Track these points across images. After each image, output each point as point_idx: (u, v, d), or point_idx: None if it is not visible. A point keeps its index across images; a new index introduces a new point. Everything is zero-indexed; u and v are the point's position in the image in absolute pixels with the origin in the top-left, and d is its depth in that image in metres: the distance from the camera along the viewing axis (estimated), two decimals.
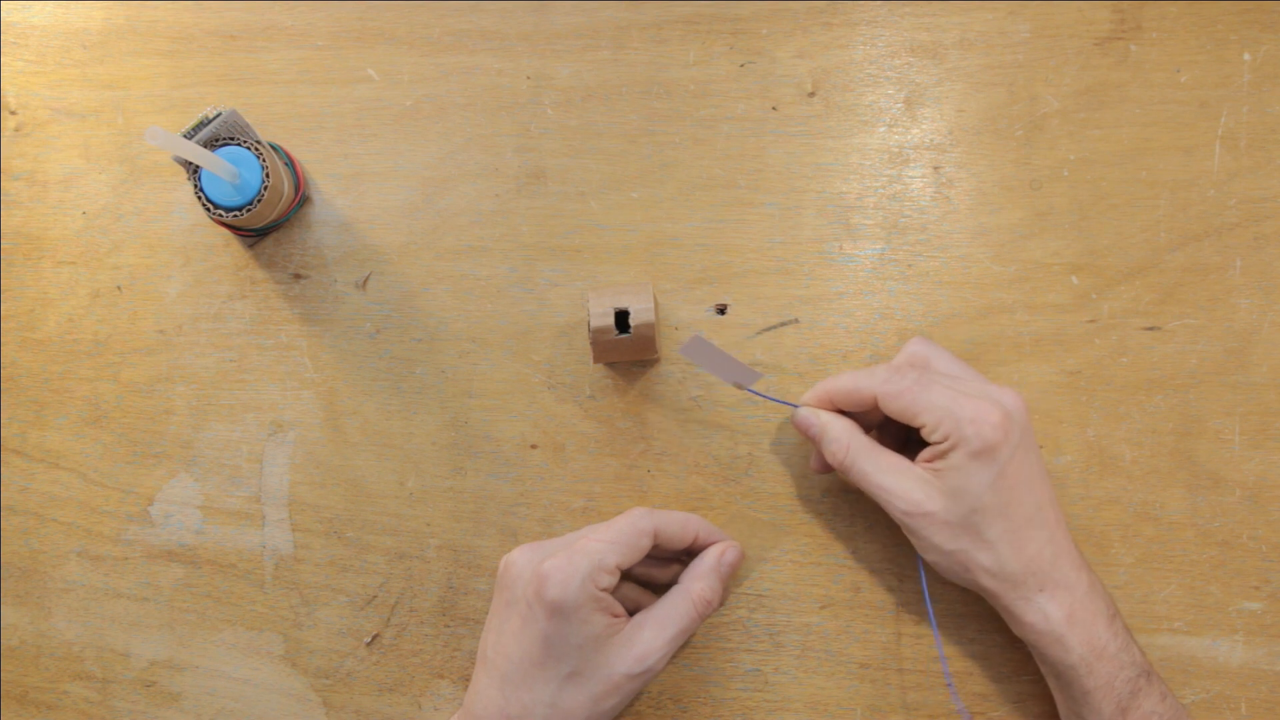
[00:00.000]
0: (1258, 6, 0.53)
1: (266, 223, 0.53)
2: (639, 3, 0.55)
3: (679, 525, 0.48)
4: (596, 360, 0.49)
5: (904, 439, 0.49)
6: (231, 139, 0.50)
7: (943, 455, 0.44)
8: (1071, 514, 0.51)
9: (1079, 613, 0.44)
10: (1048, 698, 0.50)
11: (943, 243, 0.53)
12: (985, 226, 0.53)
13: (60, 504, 0.55)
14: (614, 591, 0.46)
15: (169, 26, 0.57)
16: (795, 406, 0.49)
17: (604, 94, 0.55)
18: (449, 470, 0.54)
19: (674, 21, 0.55)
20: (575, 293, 0.54)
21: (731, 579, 0.51)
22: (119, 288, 0.56)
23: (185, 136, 0.48)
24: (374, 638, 0.53)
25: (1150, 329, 0.52)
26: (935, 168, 0.53)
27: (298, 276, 0.55)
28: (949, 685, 0.49)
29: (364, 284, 0.55)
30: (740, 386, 0.48)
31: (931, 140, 0.53)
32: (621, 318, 0.47)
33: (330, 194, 0.55)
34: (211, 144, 0.49)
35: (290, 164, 0.54)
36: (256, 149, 0.50)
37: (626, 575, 0.49)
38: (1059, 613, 0.44)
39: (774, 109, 0.54)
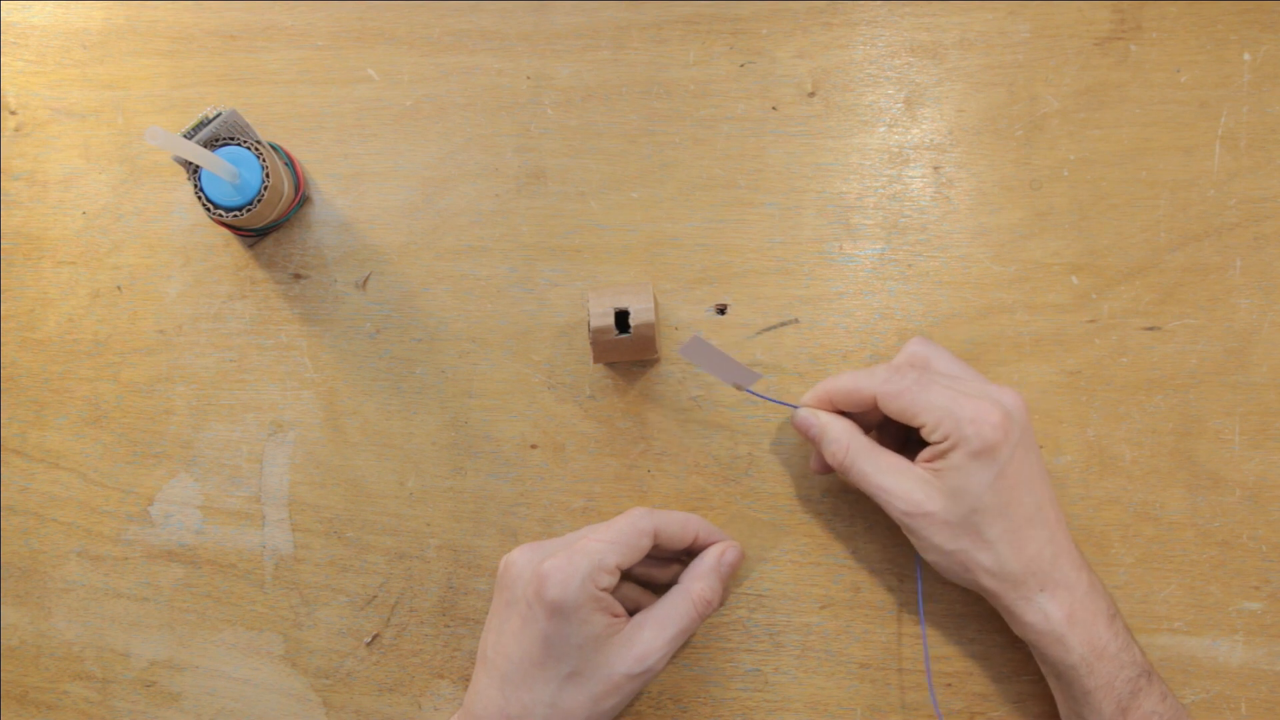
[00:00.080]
0: (1258, 6, 0.53)
1: (266, 223, 0.53)
2: (639, 3, 0.55)
3: (679, 525, 0.48)
4: (596, 360, 0.49)
5: (904, 439, 0.49)
6: (231, 139, 0.50)
7: (943, 455, 0.44)
8: (1071, 514, 0.51)
9: (1079, 612, 0.44)
10: (1047, 698, 0.50)
11: (943, 243, 0.53)
12: (985, 226, 0.53)
13: (60, 504, 0.55)
14: (614, 591, 0.46)
15: (169, 26, 0.57)
16: (795, 407, 0.49)
17: (604, 94, 0.55)
18: (449, 470, 0.54)
19: (674, 21, 0.55)
20: (575, 293, 0.54)
21: (732, 579, 0.51)
22: (119, 288, 0.56)
23: (185, 136, 0.48)
24: (374, 638, 0.53)
25: (1150, 329, 0.52)
26: (935, 168, 0.53)
27: (298, 276, 0.55)
28: (929, 685, 0.49)
29: (364, 284, 0.55)
30: (740, 387, 0.48)
31: (931, 140, 0.53)
32: (621, 318, 0.47)
33: (330, 194, 0.55)
34: (211, 144, 0.49)
35: (290, 164, 0.54)
36: (256, 149, 0.50)
37: (626, 575, 0.49)
38: (1059, 612, 0.44)
39: (774, 109, 0.54)
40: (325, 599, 0.53)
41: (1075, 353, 0.52)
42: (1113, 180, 0.53)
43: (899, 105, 0.54)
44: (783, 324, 0.53)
